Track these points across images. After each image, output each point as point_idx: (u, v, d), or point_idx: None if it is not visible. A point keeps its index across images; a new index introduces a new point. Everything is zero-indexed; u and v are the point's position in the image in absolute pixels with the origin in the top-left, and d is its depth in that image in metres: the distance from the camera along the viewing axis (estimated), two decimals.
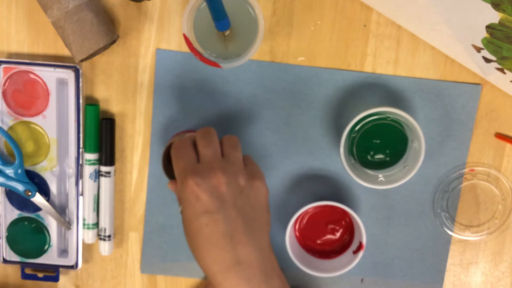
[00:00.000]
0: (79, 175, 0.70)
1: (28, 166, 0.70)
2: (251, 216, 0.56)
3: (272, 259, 0.57)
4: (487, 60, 0.65)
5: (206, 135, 0.59)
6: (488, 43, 0.61)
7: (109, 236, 0.71)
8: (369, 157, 0.68)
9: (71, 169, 0.70)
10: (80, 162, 0.69)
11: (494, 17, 0.57)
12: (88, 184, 0.70)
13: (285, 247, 0.68)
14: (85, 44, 0.64)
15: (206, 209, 0.55)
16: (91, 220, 0.71)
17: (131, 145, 0.71)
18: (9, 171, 0.68)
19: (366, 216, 0.72)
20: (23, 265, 0.72)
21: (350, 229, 0.72)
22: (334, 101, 0.70)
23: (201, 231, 0.55)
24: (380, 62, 0.69)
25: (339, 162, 0.70)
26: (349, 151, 0.67)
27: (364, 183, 0.66)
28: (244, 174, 0.57)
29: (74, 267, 0.72)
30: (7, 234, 0.71)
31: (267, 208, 0.59)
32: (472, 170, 0.71)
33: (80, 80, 0.68)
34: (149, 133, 0.71)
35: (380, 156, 0.68)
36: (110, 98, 0.70)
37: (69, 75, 0.68)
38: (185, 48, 0.69)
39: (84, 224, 0.71)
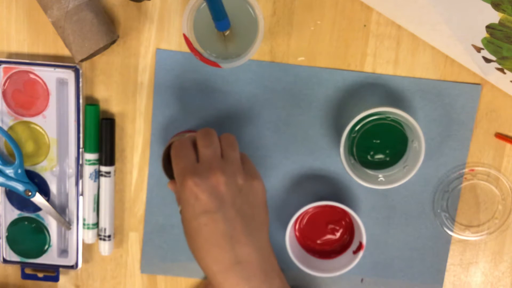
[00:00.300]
0: (79, 175, 0.70)
1: (28, 166, 0.70)
2: (250, 216, 0.56)
3: (272, 259, 0.57)
4: (487, 60, 0.65)
5: (206, 136, 0.59)
6: (488, 43, 0.61)
7: (109, 236, 0.71)
8: (369, 157, 0.68)
9: (71, 169, 0.70)
10: (80, 162, 0.69)
11: (494, 17, 0.57)
12: (88, 184, 0.70)
13: (285, 247, 0.68)
14: (85, 44, 0.64)
15: (205, 209, 0.55)
16: (91, 220, 0.71)
17: (131, 145, 0.71)
18: (9, 171, 0.68)
19: (366, 216, 0.72)
20: (23, 265, 0.72)
21: (350, 229, 0.72)
22: (334, 101, 0.70)
23: (201, 231, 0.55)
24: (380, 62, 0.69)
25: (339, 162, 0.70)
26: (349, 151, 0.67)
27: (364, 183, 0.66)
28: (243, 174, 0.57)
29: (74, 267, 0.72)
30: (7, 234, 0.71)
31: (265, 207, 0.59)
32: (472, 170, 0.71)
33: (80, 80, 0.68)
34: (149, 133, 0.71)
35: (380, 156, 0.68)
36: (110, 98, 0.70)
37: (69, 75, 0.68)
38: (185, 48, 0.69)
39: (84, 224, 0.71)
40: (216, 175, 0.55)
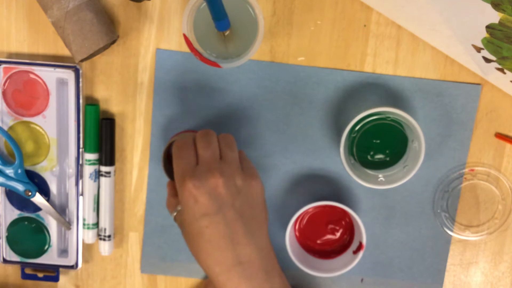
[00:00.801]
0: (79, 175, 0.70)
1: (28, 166, 0.70)
2: (249, 216, 0.56)
3: (272, 258, 0.57)
4: (487, 60, 0.65)
5: (205, 137, 0.59)
6: (488, 43, 0.61)
7: (109, 236, 0.71)
8: (369, 157, 0.68)
9: (71, 169, 0.70)
10: (80, 162, 0.69)
11: (494, 17, 0.57)
12: (88, 184, 0.70)
13: (285, 247, 0.68)
14: (85, 44, 0.64)
15: (206, 212, 0.55)
16: (91, 220, 0.71)
17: (131, 145, 0.71)
18: (9, 171, 0.68)
19: (366, 216, 0.72)
20: (23, 265, 0.72)
21: (350, 229, 0.72)
22: (334, 101, 0.70)
23: (202, 234, 0.55)
24: (380, 62, 0.69)
25: (339, 162, 0.70)
26: (349, 151, 0.67)
27: (364, 183, 0.66)
28: (241, 174, 0.57)
29: (74, 267, 0.72)
30: (7, 234, 0.71)
31: (264, 206, 0.59)
32: (472, 170, 0.71)
33: (80, 80, 0.68)
34: (149, 133, 0.71)
35: (380, 156, 0.68)
36: (110, 98, 0.70)
37: (69, 75, 0.68)
38: (185, 48, 0.69)
39: (84, 224, 0.71)
40: (215, 177, 0.56)
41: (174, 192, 0.63)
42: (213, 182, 0.55)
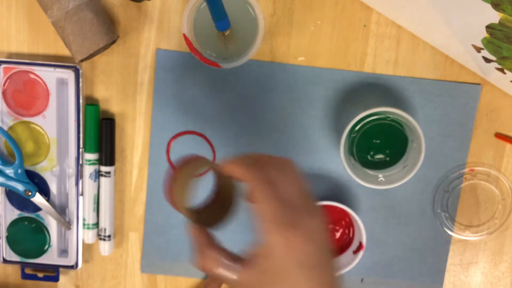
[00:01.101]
0: (79, 175, 0.70)
1: (28, 166, 0.70)
2: (329, 251, 0.52)
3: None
4: (487, 60, 0.65)
5: (290, 170, 0.53)
6: (488, 43, 0.61)
7: (109, 236, 0.71)
8: (369, 157, 0.68)
9: (71, 169, 0.70)
10: (80, 162, 0.69)
11: (494, 17, 0.57)
12: (88, 184, 0.70)
13: None
14: (85, 44, 0.64)
15: (304, 260, 0.50)
16: (91, 220, 0.71)
17: (131, 145, 0.71)
18: (9, 171, 0.68)
19: (366, 216, 0.72)
20: (23, 265, 0.72)
21: (350, 229, 0.72)
22: (334, 101, 0.70)
23: (298, 282, 0.49)
24: (380, 62, 0.69)
25: (339, 162, 0.70)
26: (349, 151, 0.67)
27: (364, 183, 0.66)
28: (316, 209, 0.52)
29: (74, 267, 0.72)
30: (7, 234, 0.71)
31: None
32: (472, 170, 0.71)
33: (80, 80, 0.68)
34: (149, 133, 0.71)
35: (380, 156, 0.68)
36: (110, 98, 0.70)
37: (69, 75, 0.68)
38: (185, 48, 0.69)
39: (84, 224, 0.71)
40: (310, 220, 0.50)
41: (208, 242, 0.52)
42: (308, 225, 0.50)
